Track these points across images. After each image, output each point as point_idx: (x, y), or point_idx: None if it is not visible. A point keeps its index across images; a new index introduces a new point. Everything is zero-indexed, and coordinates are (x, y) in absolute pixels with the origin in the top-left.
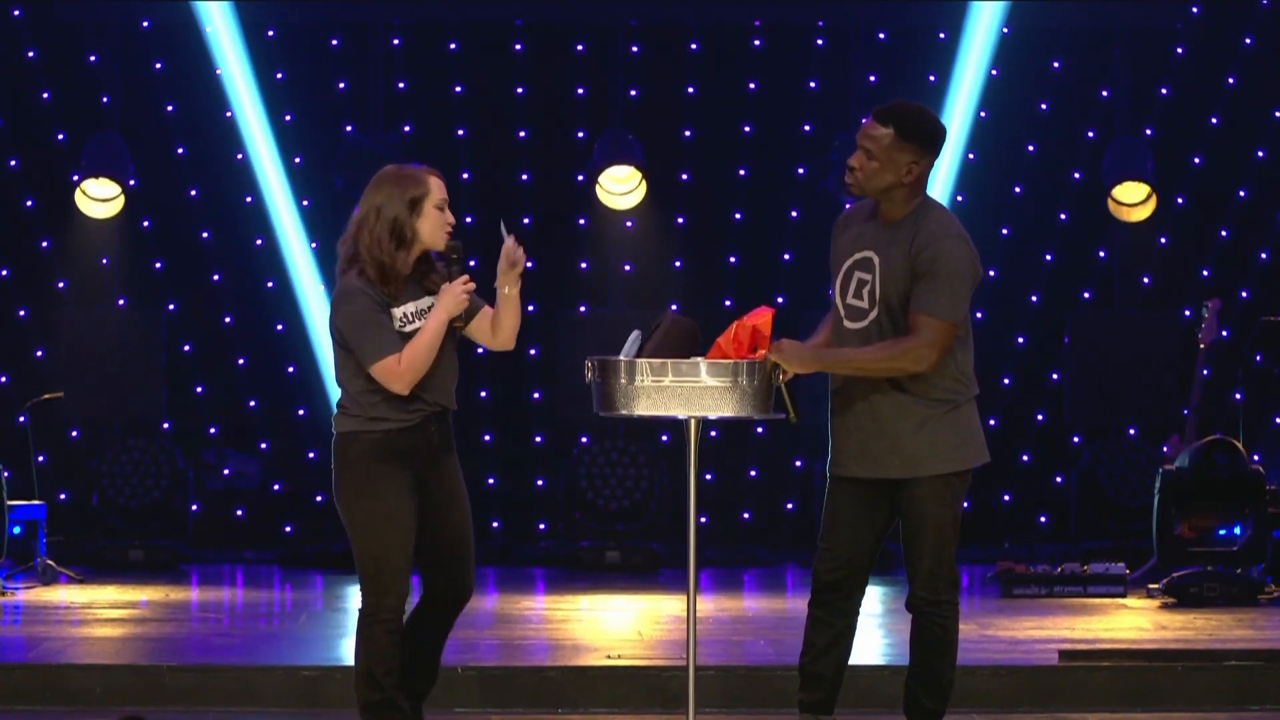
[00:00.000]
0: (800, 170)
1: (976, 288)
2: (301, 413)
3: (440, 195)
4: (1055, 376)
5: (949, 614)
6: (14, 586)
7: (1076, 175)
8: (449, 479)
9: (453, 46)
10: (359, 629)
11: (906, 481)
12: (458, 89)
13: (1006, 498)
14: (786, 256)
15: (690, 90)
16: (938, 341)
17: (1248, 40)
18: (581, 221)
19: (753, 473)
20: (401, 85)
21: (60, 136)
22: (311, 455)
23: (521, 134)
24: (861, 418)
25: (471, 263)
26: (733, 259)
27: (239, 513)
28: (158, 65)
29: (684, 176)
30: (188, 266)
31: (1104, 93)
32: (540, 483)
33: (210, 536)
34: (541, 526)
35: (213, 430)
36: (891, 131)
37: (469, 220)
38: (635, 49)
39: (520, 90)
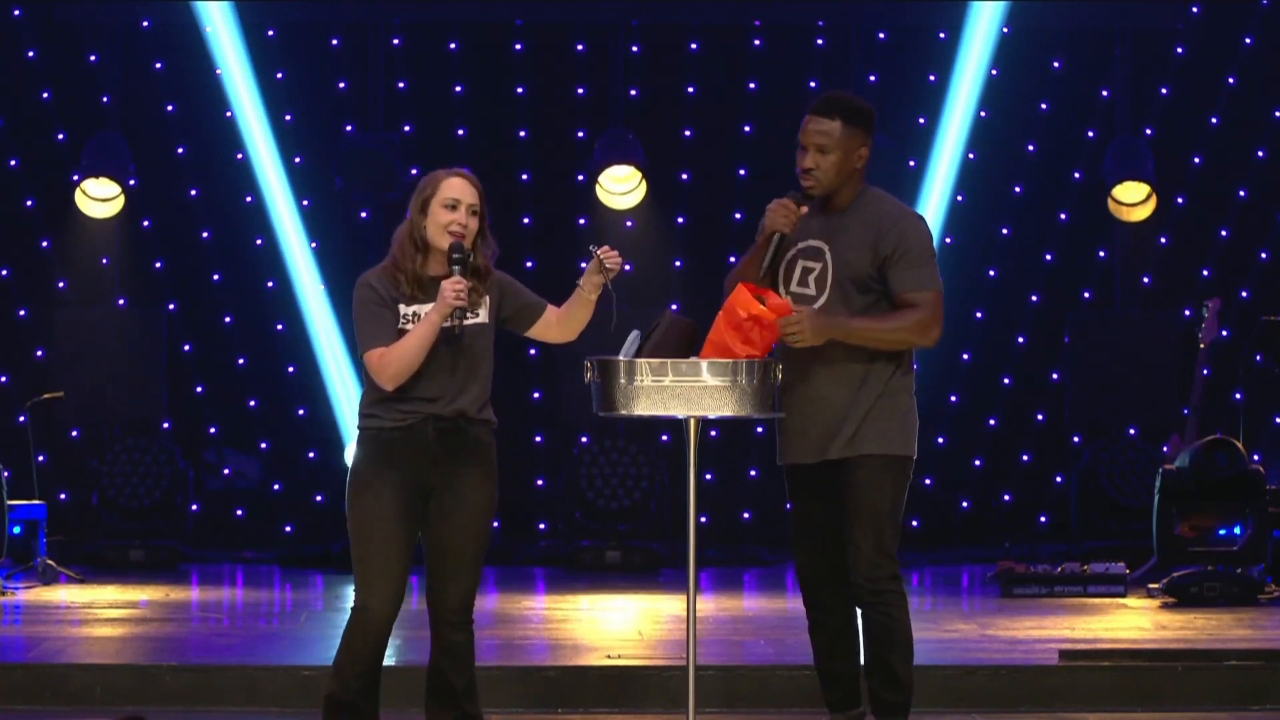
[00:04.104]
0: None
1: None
2: (301, 413)
3: (448, 194)
4: (1055, 376)
5: (894, 603)
6: (14, 586)
7: (1076, 175)
8: (460, 490)
9: (453, 46)
10: (347, 624)
11: (845, 464)
12: (458, 89)
13: (1006, 498)
14: None
15: (690, 90)
16: (939, 312)
17: (1248, 40)
18: (581, 221)
19: (753, 473)
20: (401, 85)
21: (60, 136)
22: (311, 455)
23: (521, 134)
24: (802, 403)
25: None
26: (733, 259)
27: (239, 513)
28: (158, 65)
29: (684, 176)
30: (188, 266)
31: (1104, 93)
32: (540, 483)
33: (210, 536)
34: (542, 526)
35: (213, 430)
36: (839, 123)
37: None
38: (635, 49)
39: (520, 90)
